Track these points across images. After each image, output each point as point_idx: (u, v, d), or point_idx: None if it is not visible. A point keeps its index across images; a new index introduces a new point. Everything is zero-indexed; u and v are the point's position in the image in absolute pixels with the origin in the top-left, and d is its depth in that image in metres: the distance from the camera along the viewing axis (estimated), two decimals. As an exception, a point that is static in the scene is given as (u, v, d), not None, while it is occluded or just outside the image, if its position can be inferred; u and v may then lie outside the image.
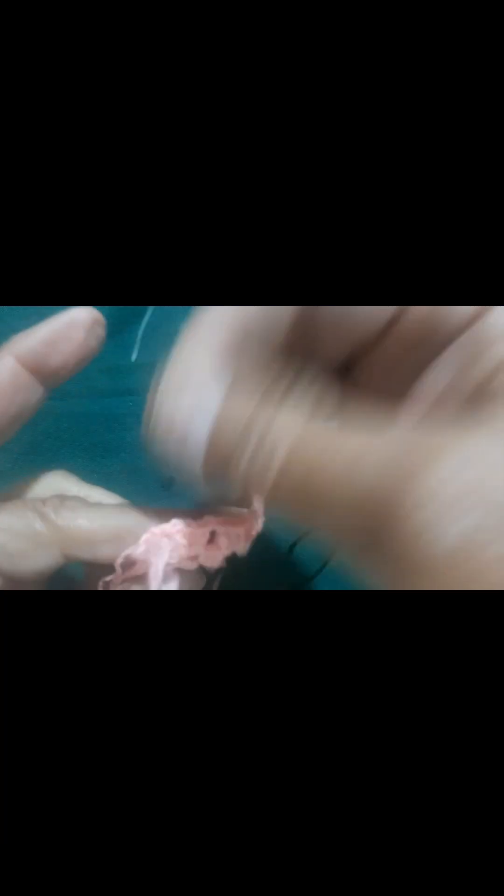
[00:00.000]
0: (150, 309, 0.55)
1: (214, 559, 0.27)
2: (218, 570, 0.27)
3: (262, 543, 0.27)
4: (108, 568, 0.26)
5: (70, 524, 0.25)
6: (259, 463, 0.19)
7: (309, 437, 0.19)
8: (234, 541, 0.26)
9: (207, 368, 0.20)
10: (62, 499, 0.26)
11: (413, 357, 0.22)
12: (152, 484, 0.58)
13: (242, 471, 0.19)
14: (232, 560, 0.27)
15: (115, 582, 0.26)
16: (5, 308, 0.54)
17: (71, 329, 0.24)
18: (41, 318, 0.54)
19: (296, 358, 0.22)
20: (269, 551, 0.39)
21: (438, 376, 0.21)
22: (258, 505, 0.22)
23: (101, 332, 0.25)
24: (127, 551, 0.25)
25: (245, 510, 0.27)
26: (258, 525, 0.25)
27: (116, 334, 0.55)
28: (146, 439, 0.22)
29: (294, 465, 0.19)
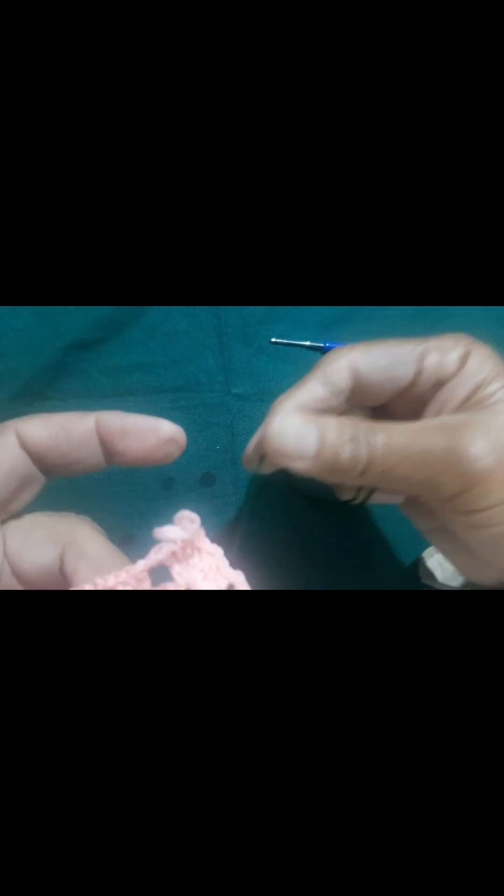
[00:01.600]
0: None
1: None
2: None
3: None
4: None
5: (83, 533, 0.26)
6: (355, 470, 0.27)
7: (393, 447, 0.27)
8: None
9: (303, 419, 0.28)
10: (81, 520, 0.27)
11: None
12: (152, 484, 0.58)
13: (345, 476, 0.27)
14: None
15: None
16: (5, 308, 0.54)
17: (149, 432, 0.26)
18: (41, 318, 0.54)
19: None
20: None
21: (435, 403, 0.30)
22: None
23: (172, 450, 0.27)
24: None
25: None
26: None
27: (116, 334, 0.55)
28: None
29: (386, 468, 0.27)
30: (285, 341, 0.57)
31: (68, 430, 0.26)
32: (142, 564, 0.24)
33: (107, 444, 0.26)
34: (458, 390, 0.29)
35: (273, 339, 0.57)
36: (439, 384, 0.30)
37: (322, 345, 0.57)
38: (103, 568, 0.25)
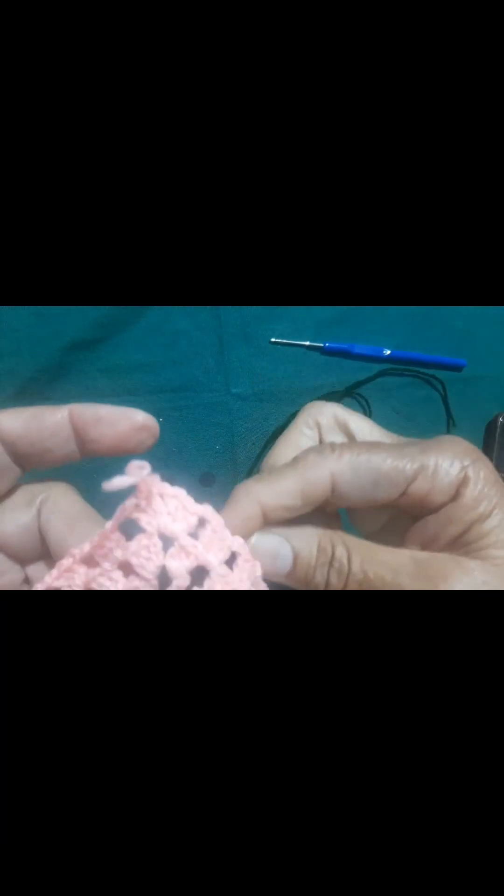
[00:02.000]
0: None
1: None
2: None
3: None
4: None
5: (58, 491, 0.27)
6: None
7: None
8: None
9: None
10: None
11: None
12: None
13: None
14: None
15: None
16: (5, 308, 0.54)
17: (121, 419, 0.26)
18: (41, 318, 0.54)
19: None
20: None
21: (423, 529, 0.27)
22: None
23: (145, 438, 0.27)
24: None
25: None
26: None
27: (116, 334, 0.55)
28: None
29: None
30: (285, 341, 0.57)
31: (41, 419, 0.26)
32: (110, 524, 0.24)
33: (80, 432, 0.26)
34: (448, 526, 0.26)
35: (273, 339, 0.57)
36: (426, 510, 0.27)
37: (321, 344, 0.57)
38: (75, 521, 0.25)
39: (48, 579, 0.24)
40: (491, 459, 0.57)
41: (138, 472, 0.23)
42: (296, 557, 0.26)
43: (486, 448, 0.58)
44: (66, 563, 0.24)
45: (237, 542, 0.25)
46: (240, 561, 0.25)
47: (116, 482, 0.22)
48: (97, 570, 0.24)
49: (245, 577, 0.25)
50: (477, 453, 0.27)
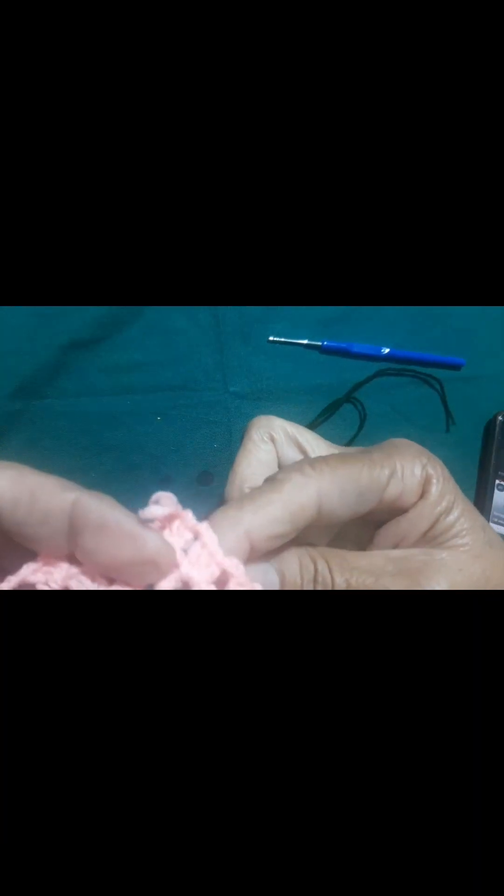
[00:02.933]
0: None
1: None
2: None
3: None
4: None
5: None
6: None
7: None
8: None
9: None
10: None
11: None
12: (150, 482, 0.58)
13: None
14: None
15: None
16: (5, 308, 0.54)
17: (128, 542, 0.21)
18: (40, 317, 0.54)
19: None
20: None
21: (396, 528, 0.28)
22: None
23: (152, 576, 0.22)
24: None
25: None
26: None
27: (116, 334, 0.55)
28: None
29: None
30: (283, 340, 0.57)
31: (37, 498, 0.21)
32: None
33: (76, 532, 0.21)
34: (418, 523, 0.27)
35: (271, 338, 0.57)
36: (396, 511, 0.28)
37: (320, 343, 0.57)
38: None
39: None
40: (491, 459, 0.57)
41: (169, 502, 0.24)
42: (282, 580, 0.26)
43: (486, 448, 0.58)
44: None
45: (231, 564, 0.24)
46: (232, 583, 0.24)
47: (152, 512, 0.24)
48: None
49: None
50: (426, 452, 0.29)
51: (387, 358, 0.58)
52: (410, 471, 0.27)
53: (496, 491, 0.56)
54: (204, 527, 0.24)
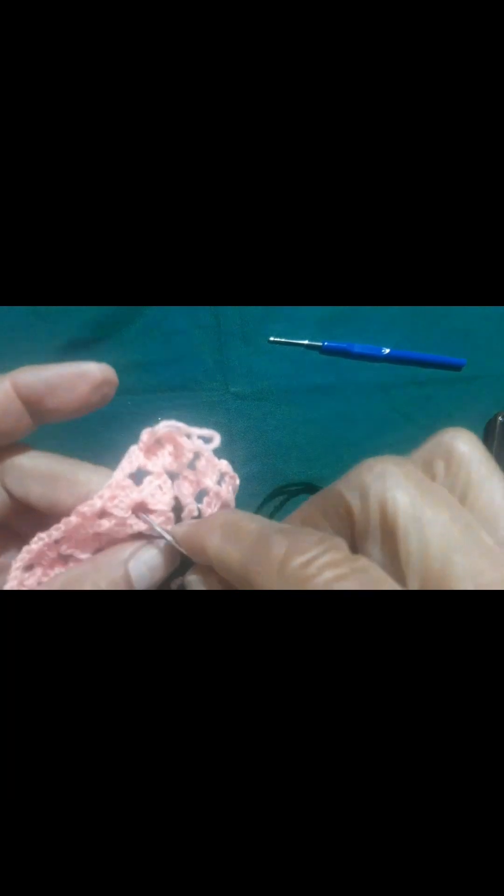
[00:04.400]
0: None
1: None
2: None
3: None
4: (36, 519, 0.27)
5: (14, 457, 0.26)
6: None
7: None
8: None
9: None
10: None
11: None
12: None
13: None
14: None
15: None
16: (5, 308, 0.54)
17: (78, 380, 0.24)
18: (41, 318, 0.54)
19: None
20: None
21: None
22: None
23: (108, 391, 0.25)
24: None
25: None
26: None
27: (116, 334, 0.55)
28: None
29: None
30: (284, 340, 0.57)
31: None
32: (118, 474, 0.26)
33: (33, 405, 0.24)
34: None
35: (271, 339, 0.57)
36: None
37: (320, 344, 0.57)
38: (57, 480, 0.24)
39: (56, 534, 0.25)
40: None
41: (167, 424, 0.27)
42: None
43: (485, 447, 0.58)
44: (74, 520, 0.25)
45: (224, 465, 0.29)
46: (227, 478, 0.29)
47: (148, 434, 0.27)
48: (112, 521, 0.26)
49: (231, 490, 0.29)
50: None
51: (387, 358, 0.58)
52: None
53: (497, 491, 0.56)
54: (200, 444, 0.28)
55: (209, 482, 0.29)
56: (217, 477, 0.29)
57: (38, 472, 0.25)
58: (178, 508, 0.28)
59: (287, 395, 0.57)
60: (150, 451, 0.28)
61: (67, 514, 0.26)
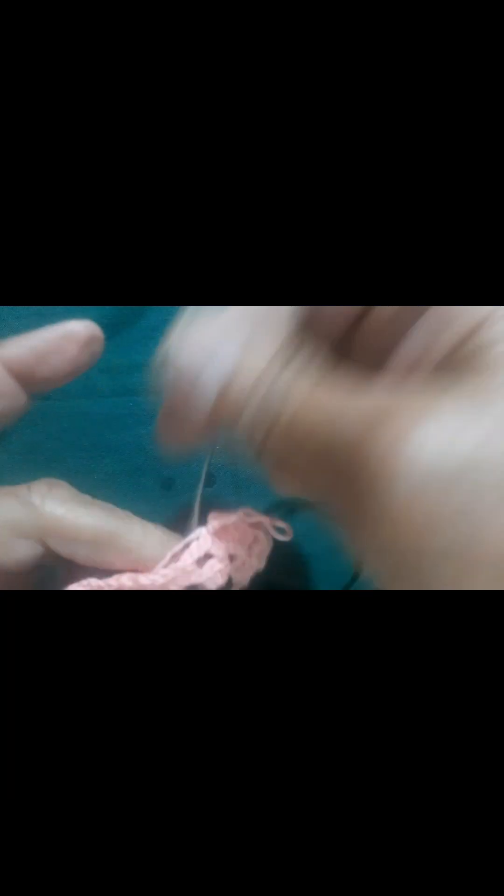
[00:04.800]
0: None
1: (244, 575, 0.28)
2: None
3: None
4: (85, 569, 0.26)
5: (54, 513, 0.25)
6: (262, 416, 0.20)
7: (312, 399, 0.20)
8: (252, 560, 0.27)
9: (226, 326, 0.20)
10: (50, 485, 0.25)
11: (391, 329, 0.22)
12: (152, 484, 0.58)
13: (245, 420, 0.20)
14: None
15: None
16: (5, 308, 0.54)
17: (65, 342, 0.23)
18: (41, 318, 0.54)
19: (302, 329, 0.22)
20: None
21: (412, 343, 0.21)
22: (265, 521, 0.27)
23: (96, 348, 0.24)
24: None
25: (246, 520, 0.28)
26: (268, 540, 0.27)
27: (116, 334, 0.55)
28: (155, 378, 0.22)
29: (295, 423, 0.20)
30: (285, 341, 0.57)
31: None
32: (186, 560, 0.26)
33: (24, 376, 0.23)
34: (444, 332, 0.20)
35: (273, 339, 0.57)
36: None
37: (322, 344, 0.57)
38: (99, 545, 0.24)
39: (104, 586, 0.26)
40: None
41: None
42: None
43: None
44: (128, 584, 0.26)
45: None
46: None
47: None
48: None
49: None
50: None
51: (388, 359, 0.58)
52: None
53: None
54: (259, 534, 0.28)
55: (256, 564, 0.28)
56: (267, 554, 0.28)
57: (83, 536, 0.24)
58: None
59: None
60: (218, 535, 0.27)
61: (115, 568, 0.26)
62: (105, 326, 0.57)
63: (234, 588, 0.27)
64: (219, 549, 0.27)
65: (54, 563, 0.26)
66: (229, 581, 0.27)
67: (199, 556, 0.27)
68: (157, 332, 0.55)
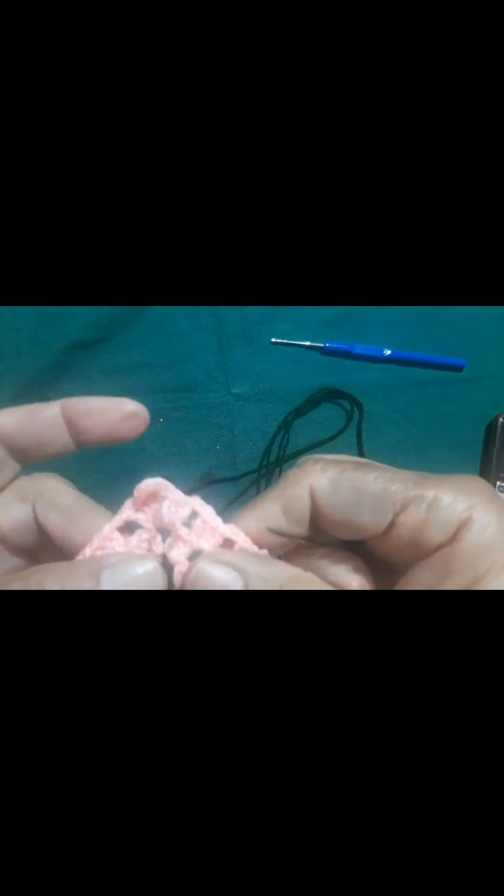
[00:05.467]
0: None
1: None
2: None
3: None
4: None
5: (49, 481, 0.28)
6: None
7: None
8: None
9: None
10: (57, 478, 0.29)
11: (403, 556, 0.25)
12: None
13: None
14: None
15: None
16: (5, 308, 0.54)
17: (112, 408, 0.28)
18: (41, 318, 0.54)
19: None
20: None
21: (419, 577, 0.24)
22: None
23: (136, 425, 0.28)
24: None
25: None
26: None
27: (116, 334, 0.55)
28: None
29: None
30: (285, 341, 0.57)
31: (35, 415, 0.27)
32: (108, 526, 0.26)
33: (73, 424, 0.27)
34: (447, 579, 0.22)
35: (273, 340, 0.57)
36: (419, 548, 0.23)
37: (322, 345, 0.57)
38: (73, 515, 0.27)
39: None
40: (492, 461, 0.57)
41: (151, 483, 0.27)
42: None
43: (487, 449, 0.58)
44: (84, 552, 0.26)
45: (230, 529, 0.26)
46: (237, 547, 0.26)
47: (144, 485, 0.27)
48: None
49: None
50: (490, 493, 0.23)
51: (388, 359, 0.58)
52: (449, 502, 0.23)
53: (497, 492, 0.56)
54: (197, 501, 0.27)
55: (205, 544, 0.26)
56: (218, 541, 0.26)
57: (62, 504, 0.27)
58: (167, 566, 0.25)
59: (289, 396, 0.57)
60: (144, 503, 0.27)
61: (75, 543, 0.26)
62: (106, 327, 0.57)
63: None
64: (146, 520, 0.27)
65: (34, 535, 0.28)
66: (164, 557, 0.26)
67: (120, 524, 0.26)
68: (157, 333, 0.55)
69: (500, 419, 0.58)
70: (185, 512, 0.27)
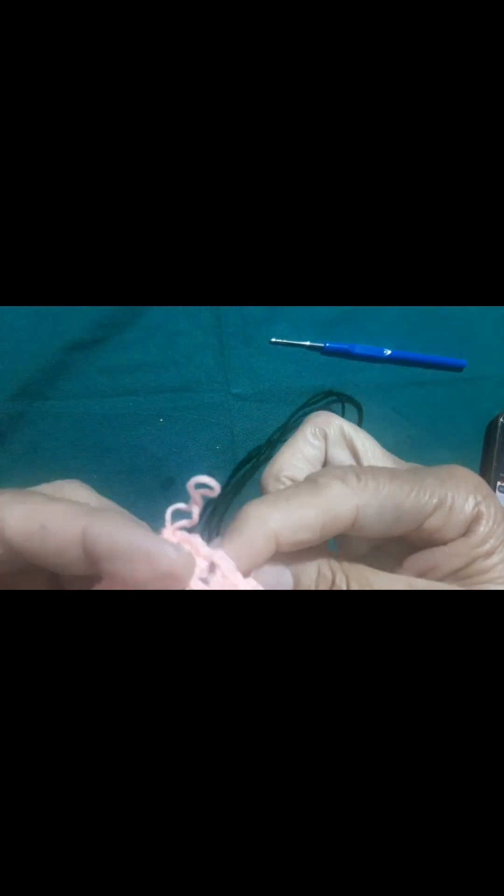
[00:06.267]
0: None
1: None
2: None
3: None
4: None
5: (72, 495, 0.25)
6: None
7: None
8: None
9: None
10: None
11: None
12: (152, 484, 0.58)
13: None
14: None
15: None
16: (5, 308, 0.54)
17: (142, 559, 0.21)
18: (41, 318, 0.54)
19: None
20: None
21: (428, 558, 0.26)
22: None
23: (173, 585, 0.22)
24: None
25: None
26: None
27: (116, 334, 0.55)
28: None
29: None
30: (285, 341, 0.57)
31: (48, 531, 0.21)
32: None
33: (92, 560, 0.22)
34: (453, 560, 0.25)
35: (273, 339, 0.57)
36: (434, 542, 0.26)
37: (322, 345, 0.57)
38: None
39: None
40: (492, 461, 0.57)
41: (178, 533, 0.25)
42: (296, 585, 0.25)
43: (487, 448, 0.58)
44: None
45: (250, 585, 0.24)
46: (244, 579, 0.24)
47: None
48: None
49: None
50: (487, 488, 0.27)
51: (389, 359, 0.58)
52: (461, 506, 0.26)
53: (497, 493, 0.56)
54: (219, 556, 0.24)
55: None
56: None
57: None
58: None
59: (289, 396, 0.57)
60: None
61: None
62: (105, 326, 0.57)
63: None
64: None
65: None
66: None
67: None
68: (157, 332, 0.55)
69: (501, 419, 0.58)
70: (203, 564, 0.24)
